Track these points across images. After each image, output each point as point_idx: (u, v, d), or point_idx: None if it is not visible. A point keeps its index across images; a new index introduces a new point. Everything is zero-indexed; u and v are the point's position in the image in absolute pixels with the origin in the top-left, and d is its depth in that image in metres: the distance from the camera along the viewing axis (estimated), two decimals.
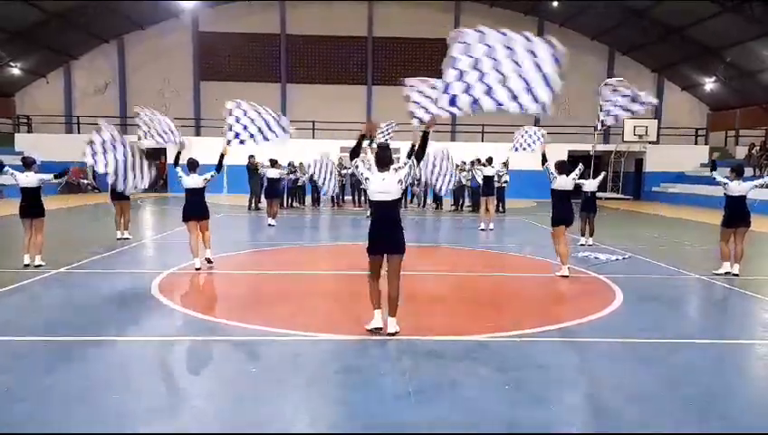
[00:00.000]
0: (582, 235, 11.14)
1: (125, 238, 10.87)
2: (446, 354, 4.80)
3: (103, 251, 9.54)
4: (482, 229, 13.39)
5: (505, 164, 18.19)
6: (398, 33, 28.49)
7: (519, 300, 6.99)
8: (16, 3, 21.08)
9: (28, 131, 27.32)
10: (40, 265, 8.03)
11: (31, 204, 8.11)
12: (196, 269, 8.04)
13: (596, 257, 9.66)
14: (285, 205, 19.49)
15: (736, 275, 8.20)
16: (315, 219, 16.76)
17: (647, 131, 25.42)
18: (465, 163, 18.95)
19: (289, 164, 19.26)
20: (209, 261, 8.42)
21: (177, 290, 7.08)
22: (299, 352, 4.87)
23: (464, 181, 18.75)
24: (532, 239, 12.49)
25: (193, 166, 8.25)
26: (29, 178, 8.07)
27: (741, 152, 25.86)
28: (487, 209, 13.67)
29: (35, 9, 22.13)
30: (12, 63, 25.42)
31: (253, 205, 18.36)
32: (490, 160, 14.48)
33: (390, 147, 5.51)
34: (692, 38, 24.28)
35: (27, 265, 7.96)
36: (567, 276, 7.95)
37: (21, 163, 8.22)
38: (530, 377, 4.35)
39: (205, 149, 24.66)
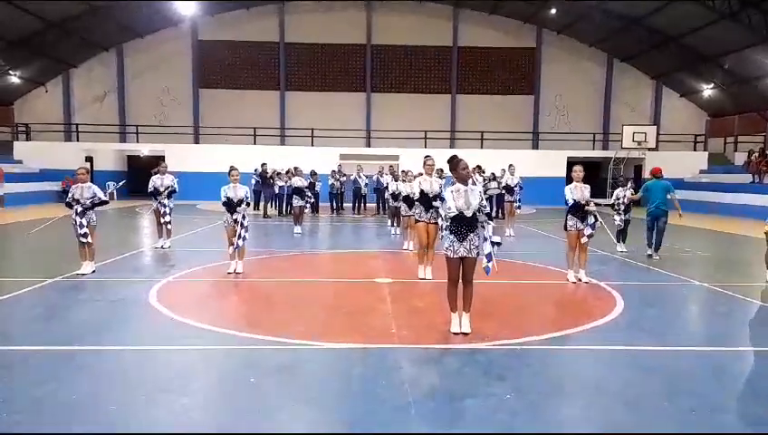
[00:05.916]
0: (617, 241, 11.30)
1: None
2: (446, 363, 4.76)
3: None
4: (508, 236, 13.62)
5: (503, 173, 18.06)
6: (396, 40, 28.54)
7: (518, 308, 6.94)
8: (16, 12, 21.14)
9: (27, 139, 27.36)
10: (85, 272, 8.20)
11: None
12: (228, 273, 8.30)
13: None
14: (283, 212, 19.52)
15: None
16: (324, 227, 16.63)
17: (645, 138, 25.43)
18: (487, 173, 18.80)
19: (287, 172, 19.33)
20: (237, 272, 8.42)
21: (177, 298, 7.05)
22: (299, 360, 4.83)
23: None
24: (540, 247, 12.47)
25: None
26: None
27: (740, 158, 25.87)
28: (510, 214, 14.51)
29: (35, 18, 22.20)
30: (11, 72, 25.45)
31: (266, 212, 18.66)
32: (512, 169, 14.85)
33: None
34: (690, 46, 24.40)
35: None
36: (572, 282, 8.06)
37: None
38: (530, 386, 4.31)
39: (203, 156, 24.97)
